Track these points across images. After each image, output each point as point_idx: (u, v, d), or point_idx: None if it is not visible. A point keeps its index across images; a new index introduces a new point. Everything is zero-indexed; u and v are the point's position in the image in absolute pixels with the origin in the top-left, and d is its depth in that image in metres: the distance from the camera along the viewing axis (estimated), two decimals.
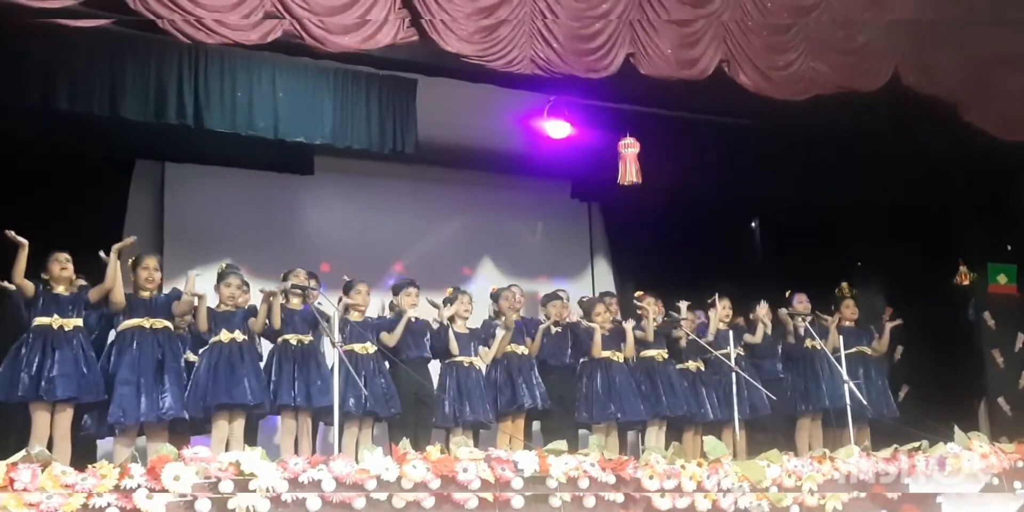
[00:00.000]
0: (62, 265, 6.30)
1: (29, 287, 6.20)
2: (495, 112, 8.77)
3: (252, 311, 6.92)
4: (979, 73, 8.55)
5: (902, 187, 9.48)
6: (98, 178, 8.04)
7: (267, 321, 6.83)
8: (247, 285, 7.23)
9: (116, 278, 6.36)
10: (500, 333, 7.63)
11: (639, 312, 8.09)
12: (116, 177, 8.45)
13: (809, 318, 8.43)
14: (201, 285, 6.79)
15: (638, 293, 8.43)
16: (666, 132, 8.93)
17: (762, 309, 8.47)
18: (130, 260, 6.67)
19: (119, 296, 6.41)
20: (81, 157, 8.01)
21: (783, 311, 8.61)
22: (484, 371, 7.57)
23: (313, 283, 7.20)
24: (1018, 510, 7.28)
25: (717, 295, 8.30)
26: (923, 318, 9.97)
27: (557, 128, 8.85)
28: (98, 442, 6.64)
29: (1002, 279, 10.07)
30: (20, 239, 6.11)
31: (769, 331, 8.47)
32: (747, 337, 8.40)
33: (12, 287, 6.21)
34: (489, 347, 7.66)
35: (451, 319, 7.56)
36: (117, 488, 4.93)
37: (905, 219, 9.84)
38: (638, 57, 7.52)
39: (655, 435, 7.82)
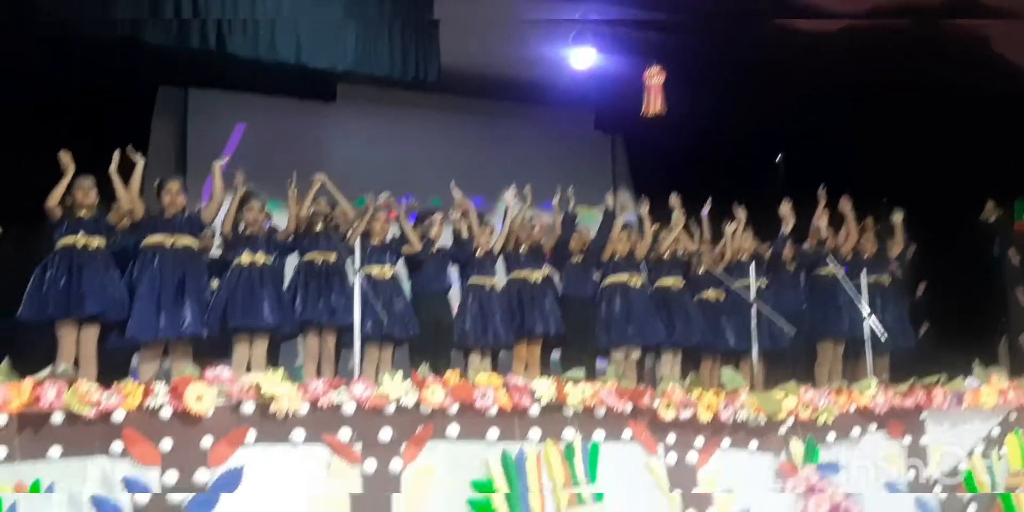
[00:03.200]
0: (85, 192, 6.33)
1: (57, 212, 6.29)
2: (520, 41, 8.69)
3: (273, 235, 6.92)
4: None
5: (931, 121, 9.36)
6: (121, 104, 8.03)
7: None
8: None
9: (131, 197, 6.37)
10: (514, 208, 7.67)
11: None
12: (139, 103, 8.46)
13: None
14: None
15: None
16: (693, 63, 8.81)
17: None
18: (155, 183, 6.70)
19: (139, 210, 6.45)
20: (104, 83, 8.01)
21: (806, 245, 8.59)
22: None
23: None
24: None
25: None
26: (947, 254, 9.92)
27: (582, 57, 8.74)
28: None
29: None
30: (69, 163, 6.20)
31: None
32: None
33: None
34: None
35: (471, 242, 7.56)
36: (140, 407, 5.00)
37: (933, 153, 9.72)
38: None
39: (669, 364, 7.86)
